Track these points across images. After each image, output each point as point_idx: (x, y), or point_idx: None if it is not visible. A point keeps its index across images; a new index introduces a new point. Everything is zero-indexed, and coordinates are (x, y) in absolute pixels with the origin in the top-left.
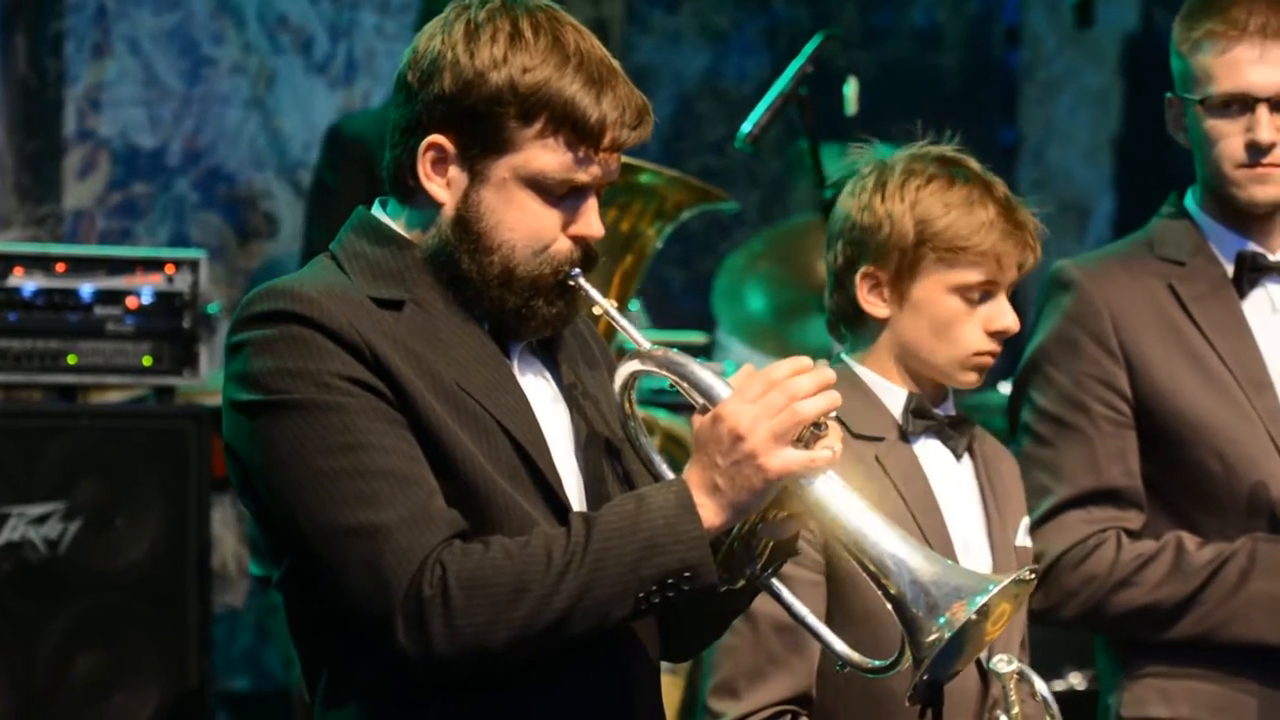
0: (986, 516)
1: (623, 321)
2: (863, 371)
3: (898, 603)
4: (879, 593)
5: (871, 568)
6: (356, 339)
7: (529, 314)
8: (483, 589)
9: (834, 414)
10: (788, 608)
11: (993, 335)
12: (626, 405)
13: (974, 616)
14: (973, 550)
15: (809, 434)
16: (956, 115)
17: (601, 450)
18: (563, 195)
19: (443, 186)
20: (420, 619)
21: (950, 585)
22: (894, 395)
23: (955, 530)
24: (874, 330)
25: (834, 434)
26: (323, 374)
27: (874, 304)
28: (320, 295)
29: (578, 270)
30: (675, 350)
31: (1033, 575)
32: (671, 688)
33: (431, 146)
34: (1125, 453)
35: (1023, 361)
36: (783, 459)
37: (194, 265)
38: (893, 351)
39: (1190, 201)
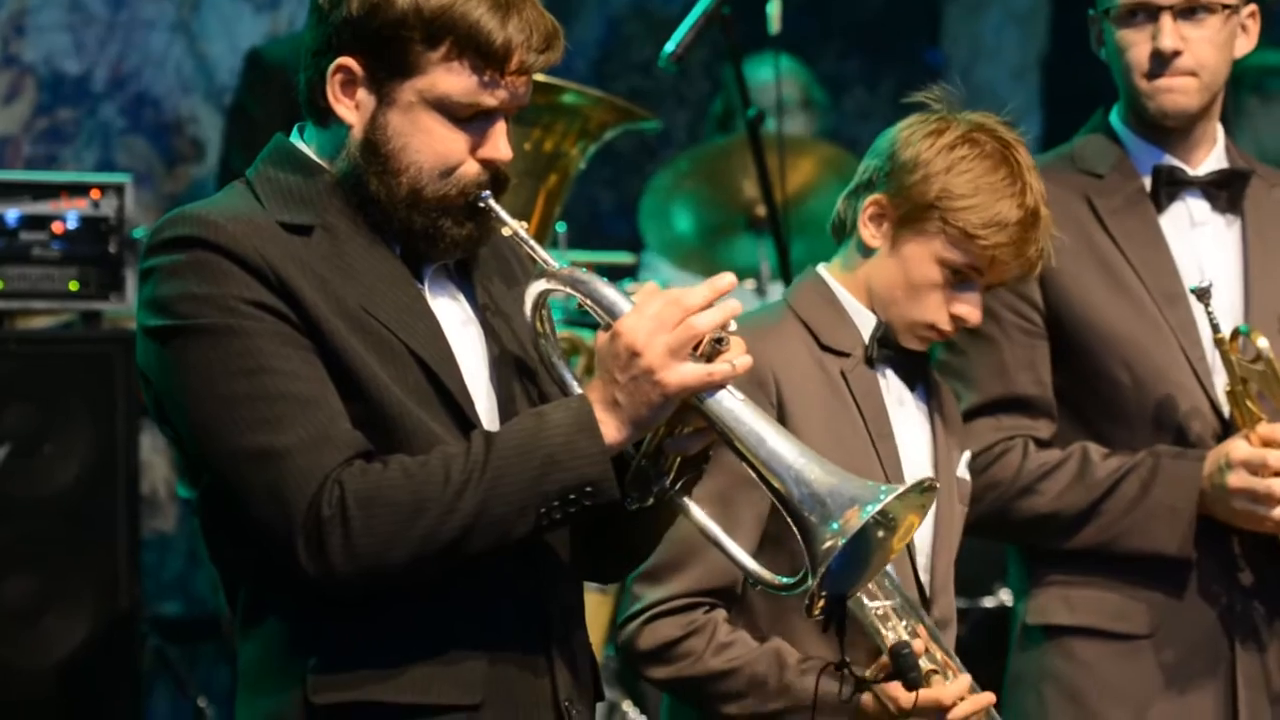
0: (935, 448)
1: (531, 242)
2: (838, 288)
3: (794, 512)
4: (777, 504)
5: (769, 479)
6: (262, 263)
7: (437, 235)
8: (380, 507)
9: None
10: (698, 525)
11: (953, 318)
12: (539, 325)
13: (871, 525)
14: (919, 474)
15: (710, 348)
16: (881, 34)
17: (514, 371)
18: (470, 118)
19: (351, 109)
20: (319, 539)
21: (845, 495)
22: (864, 317)
23: (905, 458)
24: (861, 253)
25: (735, 348)
26: (228, 298)
27: (870, 232)
28: (227, 221)
29: (487, 192)
30: (582, 269)
31: (932, 484)
32: (600, 606)
33: (340, 69)
34: (1036, 362)
35: None
36: (679, 373)
37: (120, 190)
38: (868, 280)
39: (1114, 116)
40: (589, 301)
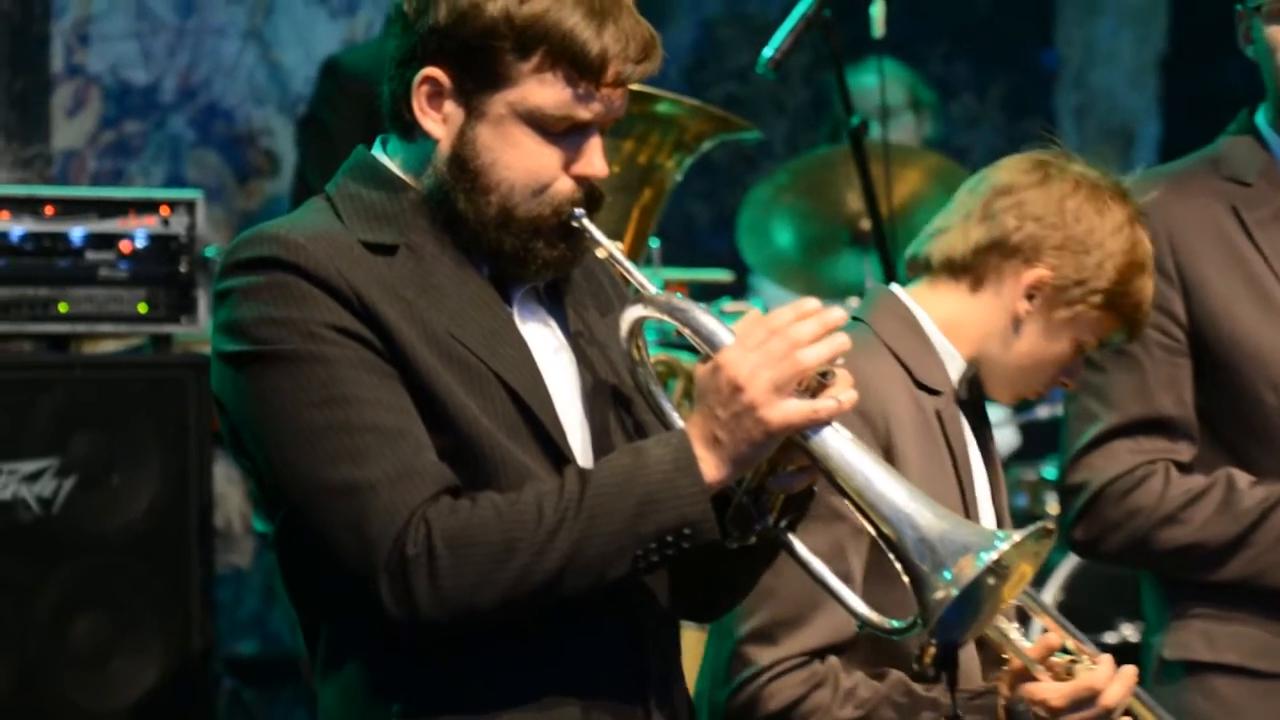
0: (993, 487)
1: (627, 265)
2: (927, 321)
3: (904, 559)
4: (885, 549)
5: (877, 523)
6: (344, 286)
7: (528, 257)
8: (469, 548)
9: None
10: (803, 564)
11: (1056, 384)
12: (635, 352)
13: (984, 574)
14: (986, 520)
15: (815, 383)
16: (990, 36)
17: (609, 400)
18: (563, 132)
19: (438, 122)
20: (405, 579)
21: (958, 542)
22: (953, 359)
23: (979, 499)
24: (983, 308)
25: (842, 383)
26: (309, 323)
27: (1022, 306)
28: (308, 240)
29: (581, 211)
30: (679, 295)
31: (1051, 531)
32: (699, 644)
33: (426, 80)
34: (1178, 381)
35: None
36: (783, 410)
37: (190, 206)
38: (984, 334)
39: (1261, 118)
40: (687, 330)
